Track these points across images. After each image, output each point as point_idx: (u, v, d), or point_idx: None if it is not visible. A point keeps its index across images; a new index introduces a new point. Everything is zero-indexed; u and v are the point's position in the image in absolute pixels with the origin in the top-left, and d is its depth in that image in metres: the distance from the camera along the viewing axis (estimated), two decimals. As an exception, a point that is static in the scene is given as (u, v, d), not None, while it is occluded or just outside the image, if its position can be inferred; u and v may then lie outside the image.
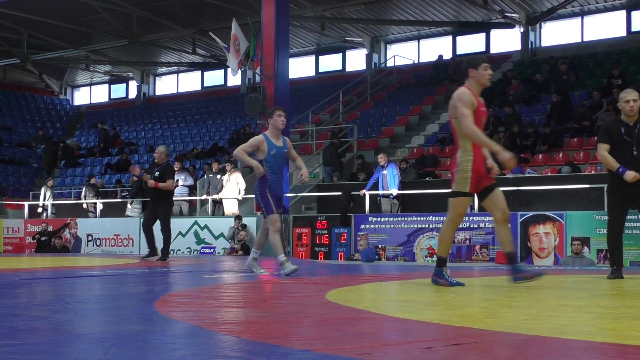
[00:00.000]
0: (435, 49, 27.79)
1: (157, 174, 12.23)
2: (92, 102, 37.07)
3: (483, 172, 6.26)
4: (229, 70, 20.63)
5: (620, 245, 7.50)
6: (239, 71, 19.13)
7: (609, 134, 7.32)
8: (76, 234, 18.89)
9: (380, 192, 15.91)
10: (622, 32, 24.38)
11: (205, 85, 34.00)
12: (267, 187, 8.17)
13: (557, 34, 25.64)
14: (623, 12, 24.41)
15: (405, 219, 14.95)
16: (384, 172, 15.86)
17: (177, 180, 18.83)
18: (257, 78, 18.21)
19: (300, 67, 30.73)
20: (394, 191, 15.65)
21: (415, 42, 28.82)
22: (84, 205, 20.55)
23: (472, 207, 14.55)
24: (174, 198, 18.74)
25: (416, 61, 28.43)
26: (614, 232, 7.49)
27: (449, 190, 6.41)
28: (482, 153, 6.26)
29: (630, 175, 7.05)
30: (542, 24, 25.64)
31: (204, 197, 18.18)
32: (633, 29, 24.20)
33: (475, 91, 6.34)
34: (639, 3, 24.10)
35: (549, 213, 13.58)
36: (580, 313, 4.36)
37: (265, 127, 9.00)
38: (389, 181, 15.78)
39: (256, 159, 8.23)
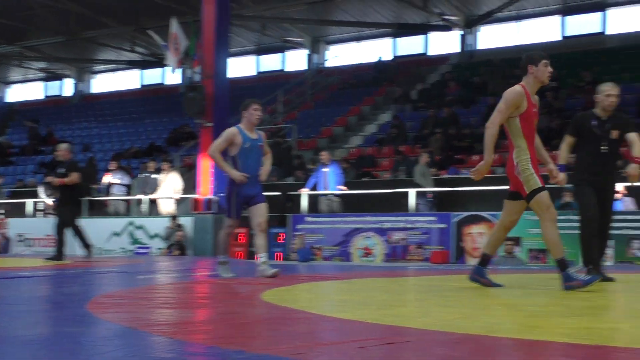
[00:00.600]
0: (375, 50, 28.00)
1: (62, 171, 12.11)
2: (26, 99, 36.25)
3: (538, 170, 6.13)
4: (168, 68, 20.44)
5: (596, 242, 7.03)
6: (178, 70, 18.97)
7: (577, 128, 7.07)
8: (6, 234, 18.45)
9: (321, 191, 15.92)
10: (557, 37, 24.93)
11: (143, 83, 33.60)
12: (237, 188, 7.70)
13: (494, 37, 26.09)
14: (558, 17, 24.97)
15: (342, 219, 15.01)
16: (325, 170, 15.81)
17: (109, 180, 18.60)
18: (197, 77, 18.06)
19: (241, 67, 30.61)
20: (342, 187, 15.64)
21: (355, 43, 28.98)
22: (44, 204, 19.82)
23: (411, 207, 14.71)
24: (111, 197, 18.55)
25: (356, 62, 28.59)
26: (591, 229, 7.01)
27: (505, 191, 6.37)
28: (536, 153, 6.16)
29: (560, 176, 6.67)
30: (480, 27, 26.05)
31: (139, 196, 17.96)
32: (567, 34, 24.77)
33: (531, 89, 6.18)
34: (573, 9, 24.68)
35: (482, 213, 13.78)
36: (511, 311, 4.44)
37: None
38: (330, 180, 15.74)
39: (228, 158, 7.81)
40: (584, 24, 24.52)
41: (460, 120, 20.22)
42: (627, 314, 4.42)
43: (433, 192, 15.46)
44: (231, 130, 7.74)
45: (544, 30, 25.19)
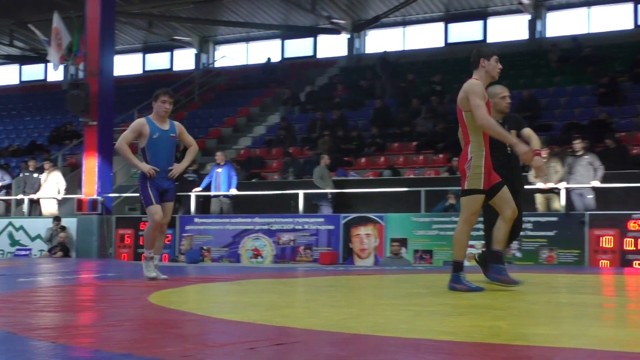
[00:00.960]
0: (264, 51, 28.00)
1: None
2: None
3: (491, 167, 6.01)
4: (50, 65, 19.78)
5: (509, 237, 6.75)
6: (61, 66, 18.37)
7: None
8: None
9: (212, 192, 15.76)
10: (440, 43, 25.62)
11: (23, 79, 32.39)
12: (149, 180, 7.36)
13: (380, 41, 26.56)
14: (441, 24, 25.67)
15: (231, 220, 14.94)
16: (219, 170, 15.65)
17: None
18: (80, 74, 17.56)
19: (127, 65, 29.96)
20: (233, 191, 15.52)
21: (244, 44, 28.89)
22: None
23: (297, 208, 14.77)
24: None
25: (245, 62, 28.51)
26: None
27: (458, 189, 6.11)
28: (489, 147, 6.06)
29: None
30: (367, 31, 26.46)
31: (19, 196, 17.30)
32: (450, 41, 25.50)
33: (484, 84, 6.14)
34: (456, 16, 25.42)
35: (370, 215, 14.00)
36: (397, 311, 4.53)
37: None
38: (223, 180, 15.58)
39: (139, 150, 7.52)
40: (466, 31, 25.30)
41: (348, 122, 20.48)
42: (506, 313, 4.59)
43: (331, 193, 15.55)
44: (139, 121, 7.46)
45: (428, 36, 25.84)
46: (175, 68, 29.81)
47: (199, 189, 15.57)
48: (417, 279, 7.86)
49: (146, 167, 7.30)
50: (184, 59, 29.61)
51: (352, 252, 13.81)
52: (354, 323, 3.87)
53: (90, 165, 16.19)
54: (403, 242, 13.19)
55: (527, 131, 6.84)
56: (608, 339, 3.37)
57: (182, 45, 29.17)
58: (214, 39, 29.08)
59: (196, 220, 15.12)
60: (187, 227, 15.04)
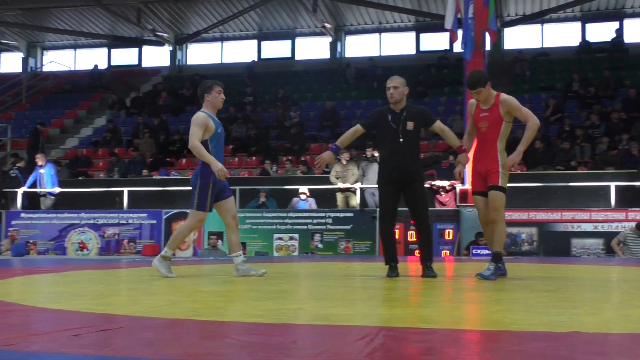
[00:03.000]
0: (91, 58, 26.88)
1: None
2: None
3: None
4: None
5: (394, 240, 6.51)
6: None
7: (373, 120, 6.45)
8: None
9: (39, 189, 14.94)
10: (254, 58, 25.77)
11: None
12: (213, 177, 6.34)
13: (201, 54, 26.33)
14: (255, 42, 25.80)
15: (58, 215, 14.22)
16: (42, 171, 14.95)
17: None
18: None
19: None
20: (56, 189, 14.78)
21: (72, 51, 27.56)
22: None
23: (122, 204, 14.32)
24: None
25: (73, 68, 27.20)
26: (386, 227, 6.43)
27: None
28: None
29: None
30: (189, 44, 26.13)
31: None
32: (263, 56, 25.69)
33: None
34: (267, 35, 25.65)
35: (189, 210, 13.82)
36: (213, 297, 4.51)
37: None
38: (46, 180, 14.90)
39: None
40: (276, 49, 25.60)
41: (169, 127, 20.13)
42: (309, 296, 4.69)
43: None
44: (201, 115, 6.24)
45: (243, 51, 25.93)
46: (2, 70, 27.88)
47: (25, 187, 14.74)
48: (232, 269, 7.86)
49: (219, 166, 6.19)
50: (12, 62, 27.77)
51: (172, 245, 13.58)
52: (174, 309, 3.81)
53: None
54: (220, 235, 13.17)
55: (437, 126, 6.38)
56: (393, 316, 3.54)
57: (9, 48, 27.34)
58: (42, 44, 27.51)
59: (22, 215, 14.24)
60: (14, 222, 14.14)
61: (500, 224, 6.05)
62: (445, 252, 12.63)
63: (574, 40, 22.89)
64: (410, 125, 6.32)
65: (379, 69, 21.94)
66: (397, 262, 6.41)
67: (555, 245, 12.53)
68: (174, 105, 22.08)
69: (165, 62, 26.07)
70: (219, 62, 26.10)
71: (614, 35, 22.11)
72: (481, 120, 6.11)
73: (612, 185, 13.15)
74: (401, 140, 6.27)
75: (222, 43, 26.18)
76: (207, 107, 6.34)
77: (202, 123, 6.20)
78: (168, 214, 13.77)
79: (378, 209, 6.73)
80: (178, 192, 15.45)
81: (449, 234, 12.77)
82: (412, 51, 24.38)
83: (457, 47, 19.62)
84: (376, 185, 13.85)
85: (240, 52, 25.94)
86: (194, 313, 3.61)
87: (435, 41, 23.99)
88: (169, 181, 16.00)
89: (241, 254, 6.62)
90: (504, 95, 6.09)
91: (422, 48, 24.34)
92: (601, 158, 15.01)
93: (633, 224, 12.07)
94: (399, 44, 24.55)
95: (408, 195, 6.37)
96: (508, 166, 6.03)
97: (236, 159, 18.14)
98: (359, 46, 25.02)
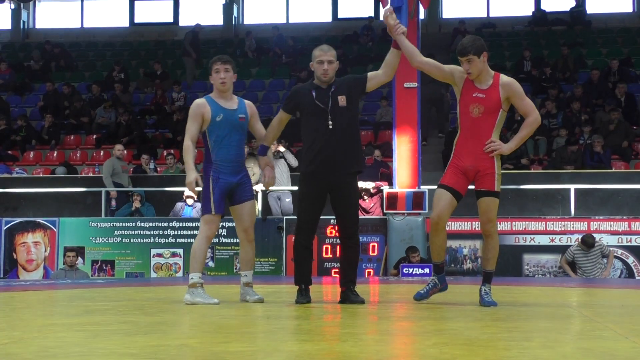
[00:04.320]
0: None
1: None
2: None
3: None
4: None
5: (310, 257, 6.49)
6: None
7: (296, 101, 6.40)
8: None
9: None
10: (124, 23, 25.38)
11: None
12: (214, 173, 6.35)
13: (54, 15, 25.71)
14: (126, 2, 25.42)
15: None
16: None
17: None
18: None
19: None
20: None
21: None
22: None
23: None
24: None
25: None
26: (304, 239, 6.40)
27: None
28: None
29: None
30: (37, 2, 25.50)
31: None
32: (137, 20, 25.33)
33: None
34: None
35: (39, 219, 13.54)
36: (70, 332, 4.42)
37: None
38: None
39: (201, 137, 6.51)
40: (154, 11, 25.32)
41: (11, 109, 19.60)
42: (197, 330, 4.67)
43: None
44: (197, 102, 6.45)
45: (112, 13, 25.48)
46: None
47: None
48: (95, 294, 7.72)
49: (191, 177, 6.25)
50: None
51: (16, 264, 13.26)
52: (18, 348, 3.71)
53: None
54: (80, 252, 12.89)
55: (372, 75, 6.36)
56: (304, 353, 3.56)
57: None
58: None
59: None
60: None
61: (495, 237, 6.23)
62: (369, 272, 12.80)
63: (526, 10, 23.65)
64: (342, 100, 6.24)
65: (290, 40, 21.99)
66: (309, 285, 6.39)
67: (503, 263, 12.87)
68: (17, 81, 21.49)
69: (6, 24, 25.34)
70: (79, 26, 25.56)
71: (573, 4, 22.95)
72: (473, 101, 6.02)
73: (572, 188, 13.63)
74: (330, 124, 6.18)
75: (82, 2, 25.67)
76: (214, 91, 6.51)
77: (193, 114, 6.38)
78: (10, 224, 13.42)
79: (296, 216, 6.62)
80: (23, 196, 15.03)
81: (373, 249, 12.95)
82: (328, 18, 24.60)
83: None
84: (282, 188, 13.99)
85: (107, 14, 25.50)
86: (44, 353, 3.53)
87: (357, 6, 24.29)
88: (11, 181, 15.57)
89: (247, 274, 6.63)
90: (505, 77, 6.12)
91: (341, 15, 24.59)
92: (559, 155, 15.55)
93: (600, 237, 12.55)
94: (311, 8, 24.72)
95: (338, 199, 6.32)
96: (487, 149, 6.12)
97: (101, 152, 17.83)
98: (260, 11, 25.05)
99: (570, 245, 12.55)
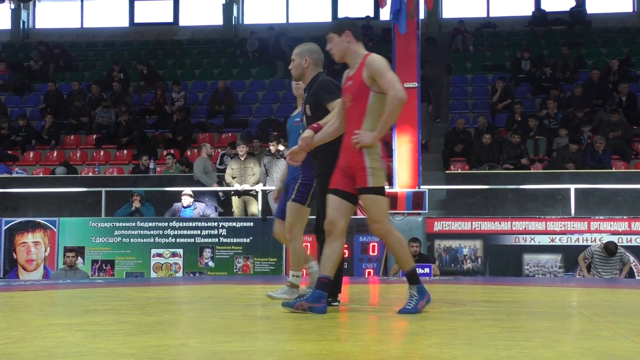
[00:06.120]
0: None
1: None
2: None
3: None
4: None
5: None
6: None
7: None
8: None
9: None
10: (124, 23, 25.38)
11: None
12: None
13: (54, 15, 25.71)
14: (126, 2, 25.42)
15: None
16: None
17: None
18: None
19: None
20: None
21: None
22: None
23: None
24: None
25: None
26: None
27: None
28: None
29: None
30: (37, 2, 25.50)
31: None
32: (137, 21, 25.35)
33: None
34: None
35: (39, 219, 13.54)
36: (70, 332, 4.42)
37: None
38: None
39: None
40: (155, 11, 25.31)
41: (7, 109, 19.62)
42: (197, 329, 4.66)
43: None
44: None
45: (112, 14, 25.48)
46: None
47: None
48: (95, 294, 7.72)
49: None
50: None
51: (16, 264, 13.27)
52: (17, 348, 3.71)
53: None
54: (79, 252, 12.90)
55: (330, 107, 5.92)
56: (304, 353, 3.56)
57: None
58: None
59: None
60: None
61: (389, 237, 5.43)
62: (369, 272, 12.80)
63: (526, 10, 23.65)
64: (307, 109, 6.11)
65: (287, 43, 21.94)
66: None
67: (503, 263, 12.89)
68: (17, 81, 21.49)
69: (5, 24, 25.33)
70: (78, 26, 25.56)
71: (573, 4, 22.95)
72: (345, 92, 5.52)
73: (572, 188, 13.62)
74: (301, 131, 5.98)
75: (82, 2, 25.66)
76: None
77: None
78: (10, 224, 13.42)
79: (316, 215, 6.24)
80: (23, 196, 15.04)
81: (373, 249, 12.95)
82: (328, 18, 24.60)
83: (384, 15, 19.92)
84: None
85: (107, 14, 25.49)
86: (44, 353, 3.53)
87: (356, 5, 24.30)
88: (11, 181, 15.57)
89: (296, 274, 6.42)
90: (372, 56, 5.47)
91: (341, 14, 24.58)
92: (559, 155, 15.55)
93: (600, 237, 12.53)
94: (311, 8, 24.72)
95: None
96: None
97: (102, 153, 17.84)
98: (260, 11, 25.04)
99: (579, 245, 12.51)
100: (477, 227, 12.97)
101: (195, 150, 17.26)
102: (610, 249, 12.19)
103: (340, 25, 5.59)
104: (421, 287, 5.47)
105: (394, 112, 5.30)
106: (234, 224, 13.29)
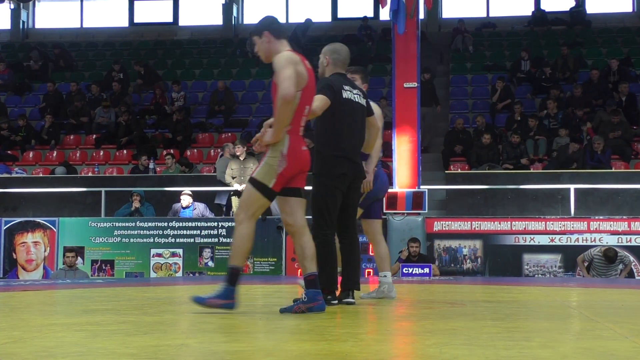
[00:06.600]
0: None
1: None
2: None
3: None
4: None
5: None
6: None
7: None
8: None
9: None
10: (124, 23, 25.38)
11: None
12: None
13: (53, 15, 25.70)
14: (126, 2, 25.40)
15: None
16: None
17: None
18: None
19: None
20: None
21: None
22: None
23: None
24: None
25: None
26: (332, 238, 6.15)
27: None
28: None
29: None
30: (37, 2, 25.49)
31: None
32: (136, 20, 25.34)
33: None
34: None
35: (39, 219, 13.54)
36: (70, 332, 4.42)
37: None
38: None
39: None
40: (154, 11, 25.30)
41: (7, 109, 19.60)
42: (196, 329, 4.66)
43: None
44: None
45: (111, 13, 25.47)
46: None
47: None
48: (95, 294, 7.72)
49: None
50: None
51: (16, 264, 13.26)
52: (17, 348, 3.71)
53: None
54: (79, 252, 12.90)
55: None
56: (303, 353, 3.56)
57: None
58: None
59: None
60: None
61: (238, 226, 5.59)
62: (369, 272, 12.80)
63: (526, 10, 23.64)
64: None
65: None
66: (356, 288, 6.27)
67: (503, 263, 12.89)
68: (17, 81, 21.48)
69: (5, 24, 25.32)
70: (78, 26, 25.55)
71: (573, 4, 22.95)
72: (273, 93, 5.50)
73: (572, 188, 13.63)
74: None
75: (81, 2, 25.65)
76: None
77: None
78: (10, 224, 13.41)
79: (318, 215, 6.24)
80: (23, 196, 15.03)
81: (373, 249, 12.93)
82: (328, 18, 24.60)
83: (384, 15, 19.90)
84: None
85: (106, 14, 25.49)
86: (44, 353, 3.52)
87: (356, 6, 24.28)
88: (11, 181, 15.56)
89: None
90: (278, 55, 5.45)
91: (341, 14, 24.58)
92: (560, 155, 15.55)
93: (600, 237, 12.53)
94: (310, 8, 24.70)
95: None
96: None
97: (101, 153, 17.83)
98: (260, 11, 25.03)
99: (578, 245, 12.52)
100: (477, 227, 12.97)
101: (195, 150, 17.27)
102: (609, 257, 12.18)
103: (259, 27, 5.65)
104: (229, 290, 5.38)
105: (280, 110, 5.27)
106: (234, 224, 13.26)
